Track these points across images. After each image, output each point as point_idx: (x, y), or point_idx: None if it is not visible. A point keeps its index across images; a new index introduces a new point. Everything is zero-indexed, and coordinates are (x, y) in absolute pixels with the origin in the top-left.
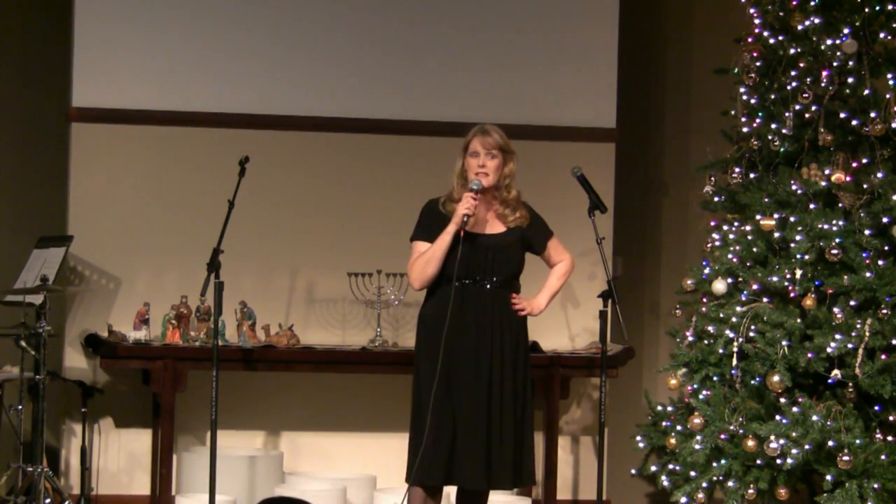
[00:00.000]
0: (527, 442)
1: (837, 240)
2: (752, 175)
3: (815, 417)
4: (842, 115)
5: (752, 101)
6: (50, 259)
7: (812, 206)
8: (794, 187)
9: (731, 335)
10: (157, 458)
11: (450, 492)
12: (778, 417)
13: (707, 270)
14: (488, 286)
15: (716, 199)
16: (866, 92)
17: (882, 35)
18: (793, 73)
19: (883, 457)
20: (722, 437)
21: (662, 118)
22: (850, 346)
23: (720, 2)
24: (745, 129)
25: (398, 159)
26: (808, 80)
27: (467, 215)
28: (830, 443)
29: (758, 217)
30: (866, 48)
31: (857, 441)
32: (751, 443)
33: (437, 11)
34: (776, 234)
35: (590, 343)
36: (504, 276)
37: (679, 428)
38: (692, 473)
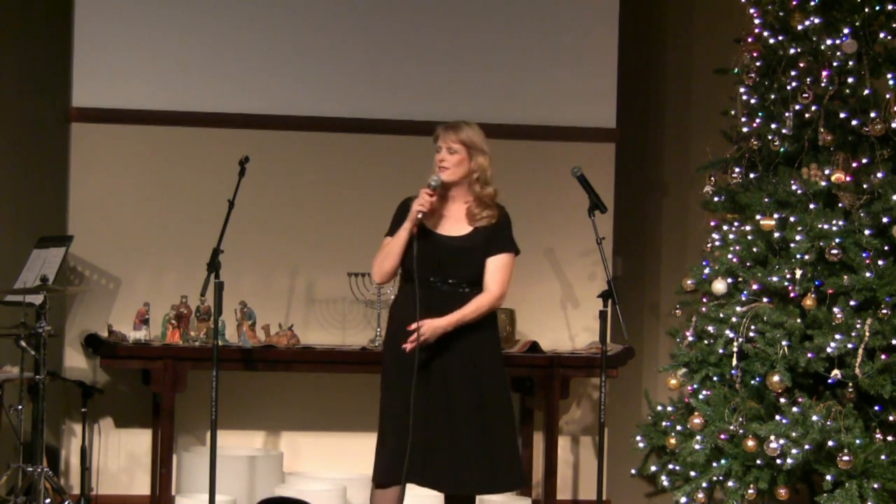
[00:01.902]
0: (503, 445)
1: (837, 240)
2: (752, 175)
3: (815, 417)
4: (842, 115)
5: (752, 101)
6: (50, 259)
7: (812, 206)
8: (794, 187)
9: (731, 335)
10: (157, 458)
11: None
12: (778, 417)
13: (707, 270)
14: (445, 288)
15: (716, 199)
16: (866, 92)
17: (882, 35)
18: (793, 73)
19: (883, 457)
20: (722, 437)
21: (662, 118)
22: (850, 346)
23: (720, 2)
24: (745, 129)
25: (398, 159)
26: (808, 80)
27: (421, 212)
28: (830, 443)
29: (758, 217)
30: (866, 48)
31: (857, 441)
32: (751, 443)
33: (437, 11)
34: (776, 234)
35: (590, 343)
36: (462, 279)
37: (679, 428)
38: (692, 473)
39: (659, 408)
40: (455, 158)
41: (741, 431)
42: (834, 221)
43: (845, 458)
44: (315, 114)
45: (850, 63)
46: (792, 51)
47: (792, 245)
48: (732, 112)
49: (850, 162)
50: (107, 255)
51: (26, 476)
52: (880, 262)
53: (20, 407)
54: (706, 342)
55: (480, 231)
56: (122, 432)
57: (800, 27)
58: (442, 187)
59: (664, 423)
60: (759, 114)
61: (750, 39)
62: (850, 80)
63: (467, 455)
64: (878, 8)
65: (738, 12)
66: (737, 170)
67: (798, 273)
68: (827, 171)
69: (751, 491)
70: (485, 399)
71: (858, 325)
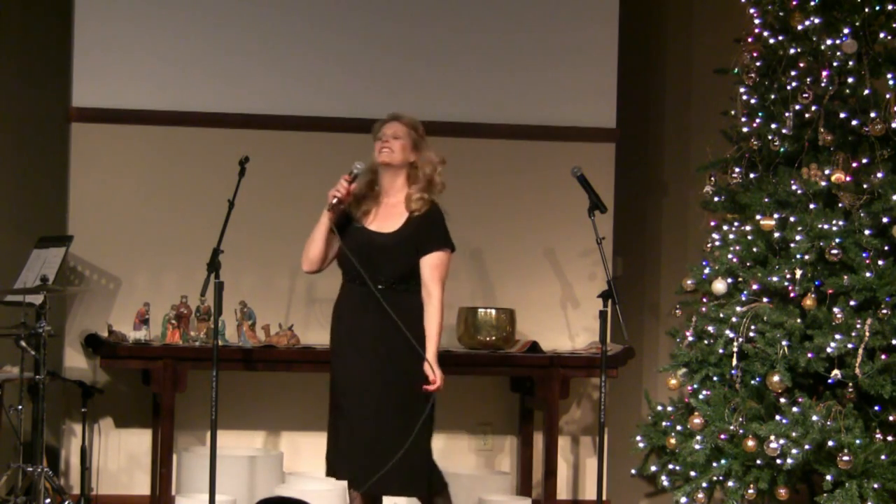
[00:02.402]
0: (414, 450)
1: (837, 240)
2: (752, 175)
3: (815, 417)
4: (842, 115)
5: (752, 101)
6: (50, 259)
7: (812, 206)
8: (794, 187)
9: (731, 335)
10: (157, 458)
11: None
12: (778, 417)
13: (707, 270)
14: (377, 286)
15: (716, 199)
16: (866, 92)
17: (882, 35)
18: (793, 73)
19: (883, 457)
20: (722, 437)
21: (662, 118)
22: (850, 346)
23: (720, 2)
24: (745, 129)
25: None
26: (808, 80)
27: (337, 198)
28: (830, 443)
29: (758, 217)
30: (866, 48)
31: (857, 441)
32: (751, 443)
33: (437, 11)
34: (776, 234)
35: (590, 343)
36: (390, 277)
37: (679, 428)
38: (692, 473)
39: (659, 408)
40: (398, 144)
41: (741, 431)
42: (834, 221)
43: (845, 458)
44: (315, 114)
45: (850, 63)
46: (792, 51)
47: (792, 245)
48: (732, 112)
49: (850, 162)
50: (107, 255)
51: (26, 476)
52: (880, 262)
53: (20, 407)
54: (706, 342)
55: (412, 222)
56: (122, 432)
57: (800, 27)
58: (370, 185)
59: (664, 423)
60: (759, 114)
61: (750, 39)
62: (850, 80)
63: (387, 456)
64: (878, 8)
65: (738, 12)
66: (737, 170)
67: (798, 273)
68: (827, 171)
69: (751, 491)
70: (406, 404)
71: (858, 325)
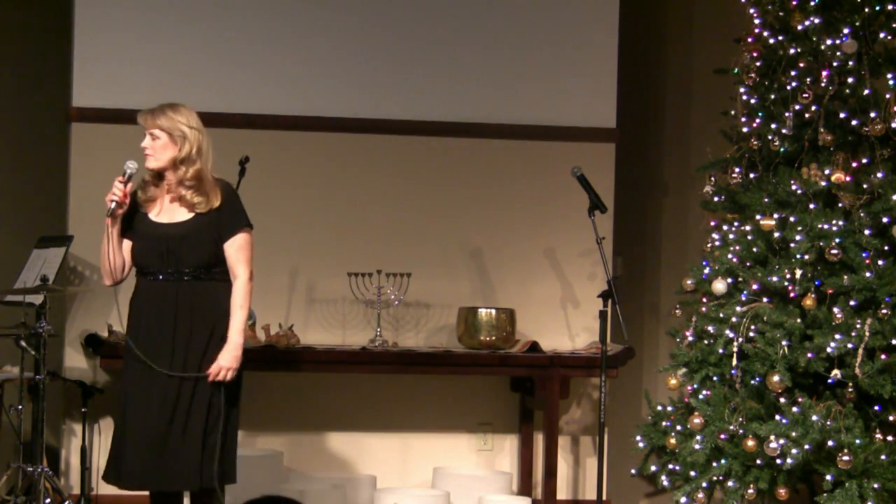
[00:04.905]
0: (212, 443)
1: (837, 240)
2: (752, 175)
3: (814, 417)
4: (842, 115)
5: (752, 101)
6: (50, 259)
7: (812, 206)
8: (794, 187)
9: (731, 335)
10: None
11: None
12: (778, 417)
13: (707, 270)
14: (172, 280)
15: (716, 199)
16: (866, 92)
17: (882, 35)
18: (793, 73)
19: (883, 457)
20: (722, 437)
21: (662, 118)
22: (850, 346)
23: (720, 2)
24: (745, 129)
25: (398, 159)
26: (808, 80)
27: (115, 202)
28: (830, 443)
29: (758, 217)
30: (866, 48)
31: (857, 441)
32: (751, 443)
33: (437, 11)
34: (776, 234)
35: (590, 343)
36: (192, 267)
37: (679, 428)
38: (692, 473)
39: (659, 408)
40: (158, 144)
41: (741, 431)
42: (834, 221)
43: (845, 458)
44: (315, 114)
45: (850, 63)
46: (792, 51)
47: (792, 245)
48: (732, 112)
49: (850, 162)
50: None
51: (26, 476)
52: (880, 262)
53: (20, 407)
54: (706, 342)
55: (204, 214)
56: None
57: (800, 27)
58: (157, 176)
59: (664, 423)
60: (759, 114)
61: (750, 39)
62: (850, 80)
63: (185, 453)
64: (878, 8)
65: (738, 12)
66: (737, 170)
67: (798, 273)
68: (827, 171)
69: (751, 491)
70: (208, 396)
71: (858, 325)
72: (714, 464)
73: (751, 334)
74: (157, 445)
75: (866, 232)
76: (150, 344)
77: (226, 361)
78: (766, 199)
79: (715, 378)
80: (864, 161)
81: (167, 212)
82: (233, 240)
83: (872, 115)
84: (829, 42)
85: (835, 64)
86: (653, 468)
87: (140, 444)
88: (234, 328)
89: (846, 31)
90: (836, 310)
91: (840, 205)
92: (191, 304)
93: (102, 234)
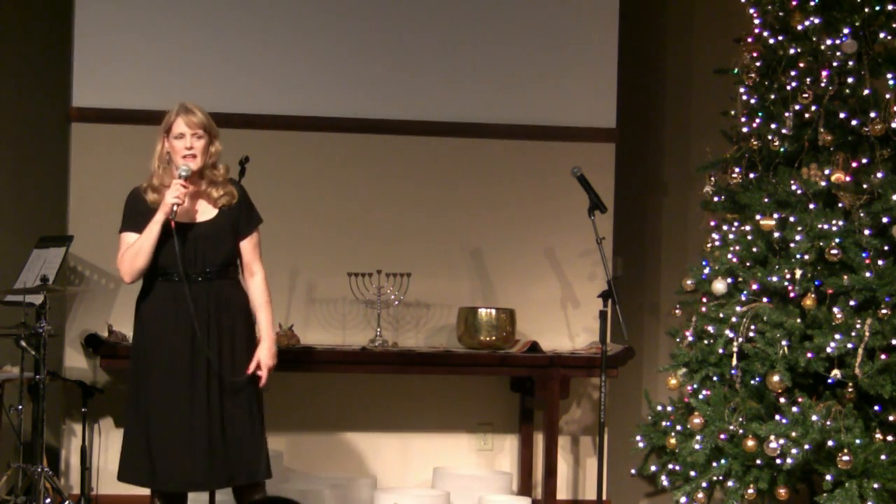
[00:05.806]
0: (255, 437)
1: (837, 240)
2: (752, 175)
3: (814, 417)
4: (842, 115)
5: (752, 101)
6: (50, 259)
7: (812, 206)
8: (794, 187)
9: (731, 335)
10: None
11: None
12: (778, 417)
13: (707, 270)
14: (200, 279)
15: (716, 199)
16: (866, 92)
17: (882, 35)
18: (793, 73)
19: (883, 457)
20: (722, 437)
21: (662, 118)
22: (849, 346)
23: (720, 2)
24: (745, 129)
25: (398, 159)
26: (808, 80)
27: (177, 203)
28: (830, 443)
29: (758, 217)
30: (866, 48)
31: (857, 441)
32: (751, 443)
33: (437, 11)
34: (776, 234)
35: (590, 343)
36: (216, 266)
37: (679, 428)
38: (692, 473)
39: (659, 408)
40: (202, 144)
41: (741, 431)
42: (834, 221)
43: (845, 457)
44: (315, 114)
45: (850, 63)
46: (792, 51)
47: (792, 245)
48: (732, 112)
49: (850, 162)
50: (107, 255)
51: (26, 476)
52: (880, 262)
53: (20, 407)
54: (706, 342)
55: (225, 212)
56: (122, 432)
57: (800, 27)
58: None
59: (664, 423)
60: (759, 114)
61: (750, 39)
62: (850, 80)
63: (226, 450)
64: (878, 8)
65: (738, 12)
66: (737, 170)
67: (798, 273)
68: (827, 171)
69: (751, 491)
70: (243, 391)
71: (858, 325)
72: (714, 464)
73: (751, 334)
74: (205, 445)
75: (866, 232)
76: (175, 346)
77: (269, 359)
78: (766, 199)
79: (715, 378)
80: (864, 161)
81: (194, 213)
82: (252, 237)
83: (872, 115)
84: (829, 42)
85: (835, 64)
86: (653, 468)
87: (186, 444)
88: (267, 324)
89: (846, 31)
90: (836, 310)
91: (840, 205)
92: (218, 303)
93: (144, 235)
